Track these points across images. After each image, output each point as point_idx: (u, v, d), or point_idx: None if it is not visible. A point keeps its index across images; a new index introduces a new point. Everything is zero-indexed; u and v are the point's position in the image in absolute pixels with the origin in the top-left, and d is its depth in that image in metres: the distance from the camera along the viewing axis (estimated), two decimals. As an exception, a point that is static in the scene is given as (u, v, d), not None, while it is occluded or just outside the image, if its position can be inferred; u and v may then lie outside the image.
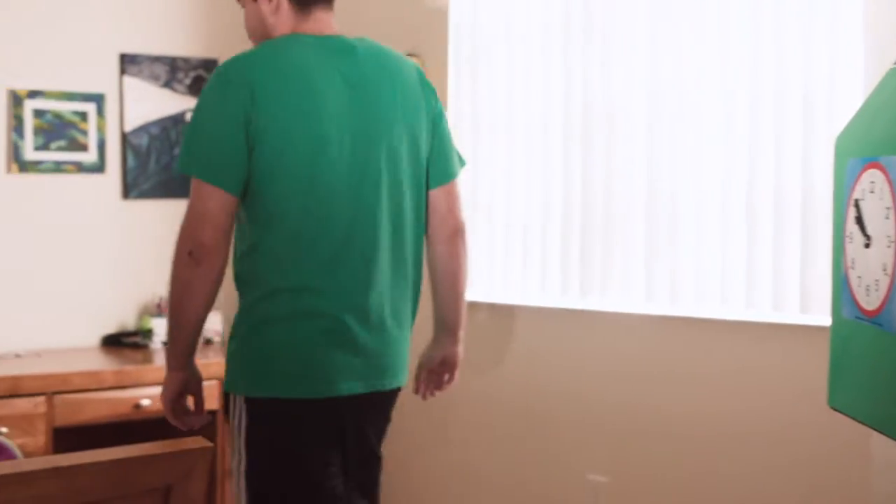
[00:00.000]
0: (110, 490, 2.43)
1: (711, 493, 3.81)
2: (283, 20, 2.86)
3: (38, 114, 4.83)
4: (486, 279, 4.44)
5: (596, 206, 4.10)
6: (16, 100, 4.77)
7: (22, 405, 4.02)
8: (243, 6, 2.97)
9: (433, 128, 2.91)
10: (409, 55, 4.56)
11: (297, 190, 2.73)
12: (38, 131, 4.83)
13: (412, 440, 4.70)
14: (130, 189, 5.03)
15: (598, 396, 4.09)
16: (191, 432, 2.81)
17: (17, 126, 4.78)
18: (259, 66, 2.76)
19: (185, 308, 2.76)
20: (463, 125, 4.49)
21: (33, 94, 4.82)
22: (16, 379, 4.07)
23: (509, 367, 4.35)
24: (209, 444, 2.57)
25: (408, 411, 4.67)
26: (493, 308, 4.39)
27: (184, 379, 2.86)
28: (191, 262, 2.70)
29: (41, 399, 4.07)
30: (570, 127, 4.17)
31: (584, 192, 4.13)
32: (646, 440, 3.97)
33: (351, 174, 2.77)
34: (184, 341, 2.82)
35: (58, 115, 4.87)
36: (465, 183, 4.46)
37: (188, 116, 5.20)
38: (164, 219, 5.08)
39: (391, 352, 2.89)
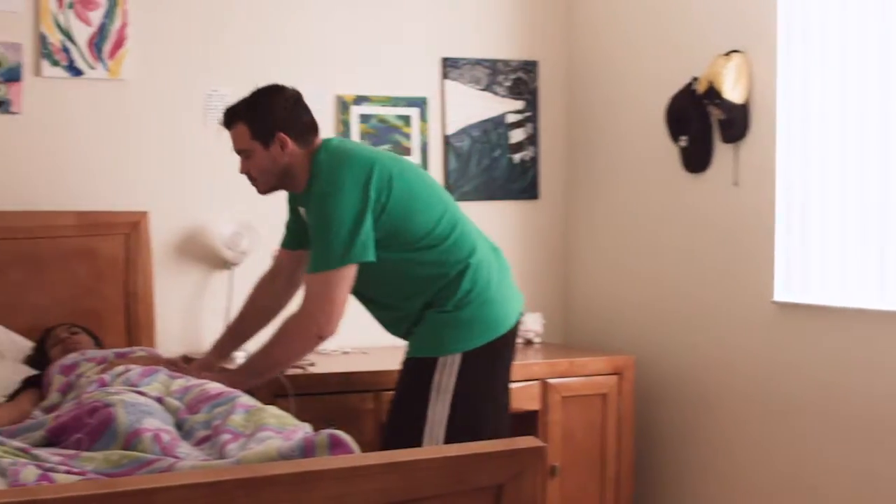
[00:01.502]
0: (444, 487, 2.44)
1: None
2: (295, 155, 3.60)
3: (364, 119, 4.97)
4: (819, 281, 4.25)
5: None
6: (343, 106, 4.92)
7: (351, 401, 4.13)
8: (247, 157, 3.63)
9: None
10: (733, 52, 4.44)
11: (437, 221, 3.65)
12: (363, 136, 4.96)
13: (744, 445, 4.57)
14: (452, 191, 5.10)
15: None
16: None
17: (343, 131, 4.93)
18: (368, 158, 3.57)
19: (290, 364, 3.79)
20: (793, 120, 4.31)
21: (359, 99, 4.96)
22: (346, 375, 4.18)
23: (848, 374, 4.13)
24: (542, 443, 2.55)
25: (743, 416, 4.55)
26: (827, 311, 4.19)
27: None
28: (318, 342, 3.56)
29: (369, 395, 4.16)
30: (910, 119, 3.94)
31: (925, 189, 3.89)
32: None
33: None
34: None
35: (382, 120, 5.00)
36: (796, 181, 4.29)
37: (508, 119, 5.23)
38: (484, 221, 5.11)
39: None
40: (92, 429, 2.90)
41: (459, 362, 3.60)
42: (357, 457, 2.39)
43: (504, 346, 3.73)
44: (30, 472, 2.58)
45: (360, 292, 3.71)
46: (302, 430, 2.92)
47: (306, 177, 3.62)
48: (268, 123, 3.58)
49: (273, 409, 3.06)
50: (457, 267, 3.62)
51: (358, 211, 3.48)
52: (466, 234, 3.69)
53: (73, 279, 4.39)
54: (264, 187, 3.69)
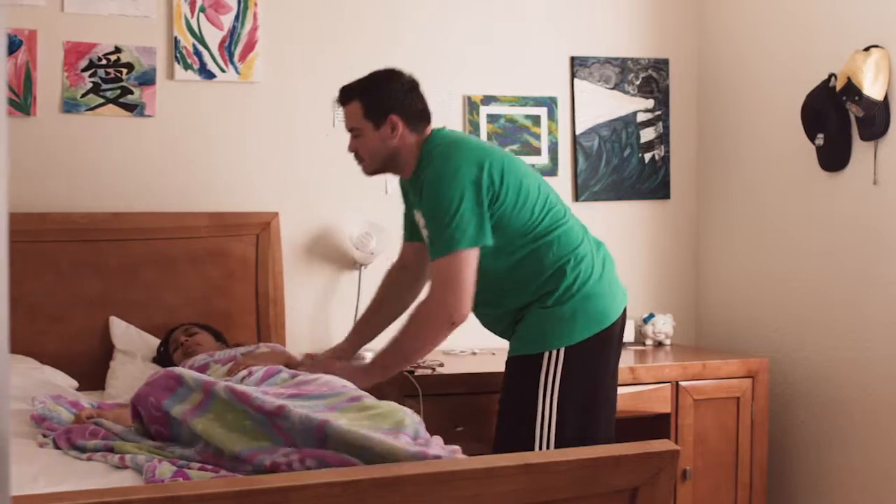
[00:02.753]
0: (578, 489, 2.41)
1: None
2: (405, 139, 3.59)
3: (492, 119, 4.95)
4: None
5: None
6: (471, 106, 4.91)
7: (480, 402, 4.09)
8: (357, 136, 3.63)
9: None
10: (872, 47, 4.32)
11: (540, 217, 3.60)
12: (491, 136, 4.94)
13: (883, 452, 4.44)
14: (581, 191, 5.06)
15: None
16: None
17: (472, 131, 4.91)
18: (481, 148, 3.59)
19: (422, 355, 3.58)
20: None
21: (487, 99, 4.94)
22: (475, 376, 4.14)
23: None
24: (676, 447, 2.51)
25: (883, 422, 4.42)
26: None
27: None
28: (450, 328, 3.45)
29: (498, 396, 4.12)
30: None
31: None
32: None
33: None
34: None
35: (511, 120, 4.97)
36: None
37: (639, 117, 5.16)
38: (614, 220, 5.09)
39: None
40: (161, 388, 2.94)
41: (563, 357, 3.53)
42: (491, 458, 2.37)
43: (608, 341, 3.63)
44: (165, 469, 2.61)
45: None
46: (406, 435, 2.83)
47: (414, 163, 3.61)
48: (381, 104, 3.59)
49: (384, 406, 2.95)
50: (558, 263, 3.55)
51: (475, 195, 3.44)
52: (570, 230, 3.62)
53: (205, 279, 4.45)
54: (370, 168, 3.68)
